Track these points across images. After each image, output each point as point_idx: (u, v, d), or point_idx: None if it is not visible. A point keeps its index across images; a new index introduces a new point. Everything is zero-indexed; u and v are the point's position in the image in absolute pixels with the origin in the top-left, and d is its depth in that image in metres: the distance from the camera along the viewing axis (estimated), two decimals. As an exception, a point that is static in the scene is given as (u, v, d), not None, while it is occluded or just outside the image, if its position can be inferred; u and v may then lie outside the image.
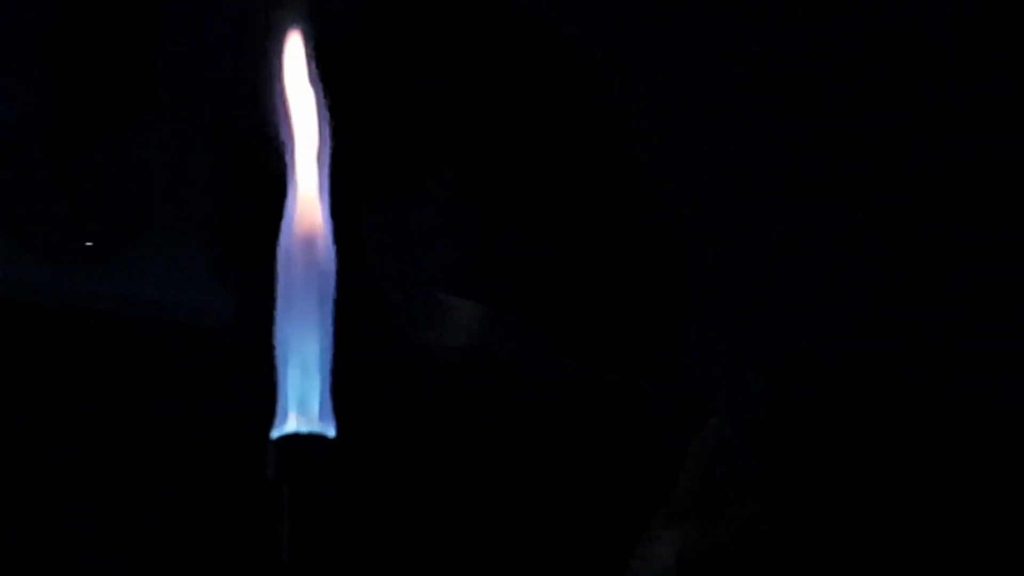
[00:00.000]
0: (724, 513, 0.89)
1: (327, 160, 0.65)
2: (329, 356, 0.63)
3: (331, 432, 0.62)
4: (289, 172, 0.64)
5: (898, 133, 2.78)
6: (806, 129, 2.72)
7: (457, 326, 0.95)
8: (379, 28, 1.03)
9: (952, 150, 2.78)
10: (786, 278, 2.66)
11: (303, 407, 0.62)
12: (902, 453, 0.94)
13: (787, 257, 2.69)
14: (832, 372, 0.95)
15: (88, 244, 2.39)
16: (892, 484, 0.93)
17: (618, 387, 0.97)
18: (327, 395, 0.63)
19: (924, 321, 2.73)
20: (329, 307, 0.64)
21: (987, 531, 1.13)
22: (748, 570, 0.88)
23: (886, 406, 0.94)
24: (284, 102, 0.65)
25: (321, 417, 0.62)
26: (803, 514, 0.89)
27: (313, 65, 0.66)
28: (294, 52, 0.66)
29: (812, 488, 0.90)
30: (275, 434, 0.62)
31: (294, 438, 0.62)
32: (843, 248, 2.75)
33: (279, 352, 0.63)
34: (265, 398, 0.62)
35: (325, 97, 0.65)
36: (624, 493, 0.95)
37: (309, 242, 0.64)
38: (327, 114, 0.65)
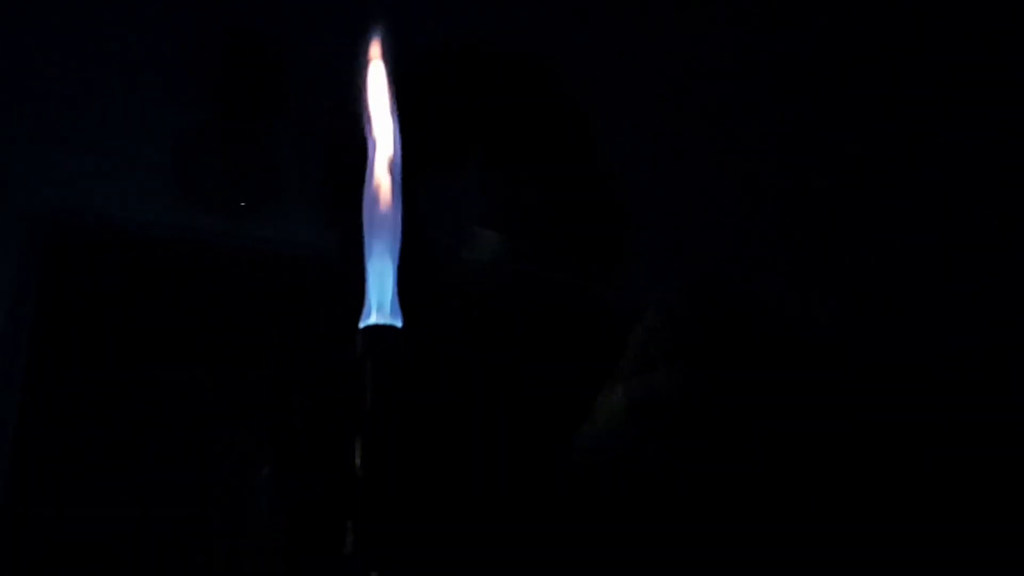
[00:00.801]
0: (654, 373, 0.89)
1: (399, 147, 0.66)
2: (397, 272, 0.64)
3: (399, 323, 0.64)
4: (370, 156, 0.66)
5: (788, 85, 2.63)
6: (715, 100, 2.59)
7: (482, 247, 0.94)
8: (432, 69, 1.02)
9: (836, 94, 2.63)
10: (703, 219, 2.57)
11: (380, 307, 0.64)
12: (768, 336, 0.94)
13: (705, 202, 2.59)
14: (729, 286, 0.94)
15: (241, 203, 2.38)
16: (759, 357, 0.93)
17: (585, 290, 0.97)
18: (396, 299, 0.64)
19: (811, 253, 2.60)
20: (398, 241, 0.65)
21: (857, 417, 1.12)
22: (667, 408, 0.88)
23: (762, 308, 0.95)
24: (369, 109, 0.66)
25: (392, 313, 0.64)
26: (704, 373, 0.89)
27: (391, 88, 0.66)
28: (378, 79, 0.67)
29: (709, 358, 0.90)
30: (361, 325, 0.64)
31: (374, 328, 0.63)
32: (750, 194, 2.62)
33: (365, 271, 0.64)
34: (356, 302, 0.64)
35: (398, 109, 0.66)
36: (590, 359, 0.95)
37: (384, 201, 0.65)
38: (397, 120, 0.66)
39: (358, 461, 0.61)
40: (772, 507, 0.94)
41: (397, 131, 0.66)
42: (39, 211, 2.26)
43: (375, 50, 0.68)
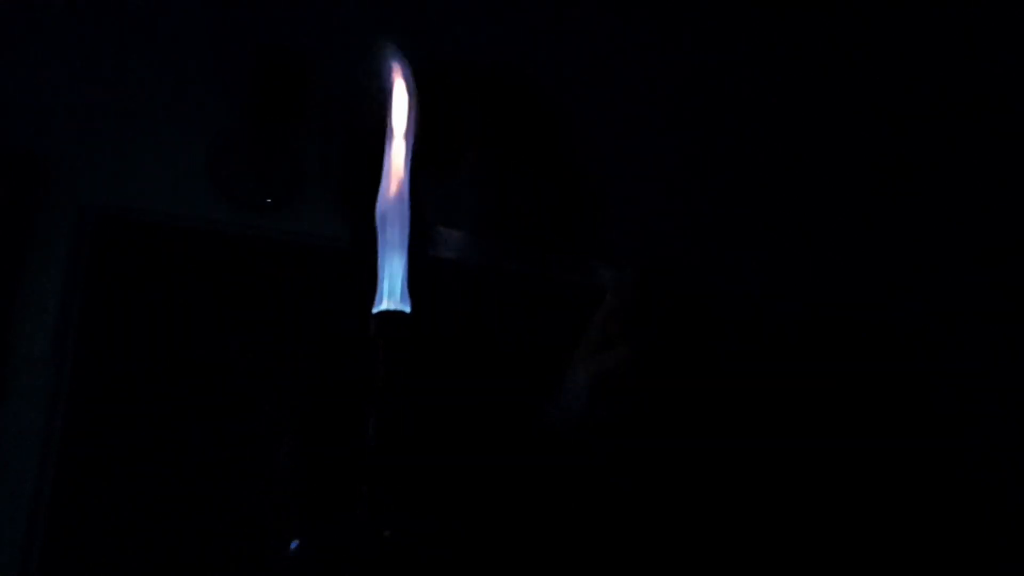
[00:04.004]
0: (612, 351, 0.88)
1: (410, 152, 0.65)
2: (407, 265, 0.64)
3: (407, 309, 0.63)
4: (385, 158, 0.65)
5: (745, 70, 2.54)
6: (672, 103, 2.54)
7: (447, 245, 0.93)
8: (437, 83, 1.02)
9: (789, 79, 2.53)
10: (656, 209, 2.47)
11: (391, 294, 0.63)
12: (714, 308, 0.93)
13: (657, 195, 2.49)
14: (676, 271, 0.93)
15: (267, 200, 2.37)
16: (712, 335, 0.92)
17: (551, 279, 0.95)
18: (406, 288, 0.64)
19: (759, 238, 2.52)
20: (407, 236, 0.64)
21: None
22: (625, 383, 0.87)
23: (711, 289, 0.94)
24: (388, 117, 0.66)
25: (401, 300, 0.64)
26: (656, 351, 0.88)
27: (405, 99, 0.66)
28: (395, 91, 0.66)
29: (661, 336, 0.89)
30: (375, 310, 0.63)
31: (386, 312, 0.63)
32: (700, 184, 2.52)
33: (378, 262, 0.64)
34: (370, 290, 0.64)
35: (411, 118, 0.66)
36: (554, 340, 0.94)
37: (396, 199, 0.64)
38: (412, 127, 0.66)
39: (371, 431, 0.61)
40: (717, 467, 0.94)
41: (410, 134, 0.66)
42: (89, 206, 2.26)
43: (398, 64, 0.67)
